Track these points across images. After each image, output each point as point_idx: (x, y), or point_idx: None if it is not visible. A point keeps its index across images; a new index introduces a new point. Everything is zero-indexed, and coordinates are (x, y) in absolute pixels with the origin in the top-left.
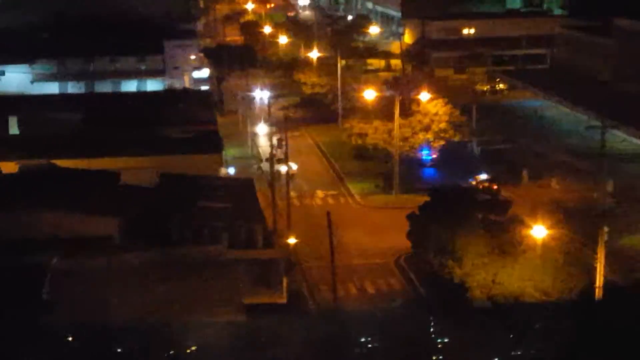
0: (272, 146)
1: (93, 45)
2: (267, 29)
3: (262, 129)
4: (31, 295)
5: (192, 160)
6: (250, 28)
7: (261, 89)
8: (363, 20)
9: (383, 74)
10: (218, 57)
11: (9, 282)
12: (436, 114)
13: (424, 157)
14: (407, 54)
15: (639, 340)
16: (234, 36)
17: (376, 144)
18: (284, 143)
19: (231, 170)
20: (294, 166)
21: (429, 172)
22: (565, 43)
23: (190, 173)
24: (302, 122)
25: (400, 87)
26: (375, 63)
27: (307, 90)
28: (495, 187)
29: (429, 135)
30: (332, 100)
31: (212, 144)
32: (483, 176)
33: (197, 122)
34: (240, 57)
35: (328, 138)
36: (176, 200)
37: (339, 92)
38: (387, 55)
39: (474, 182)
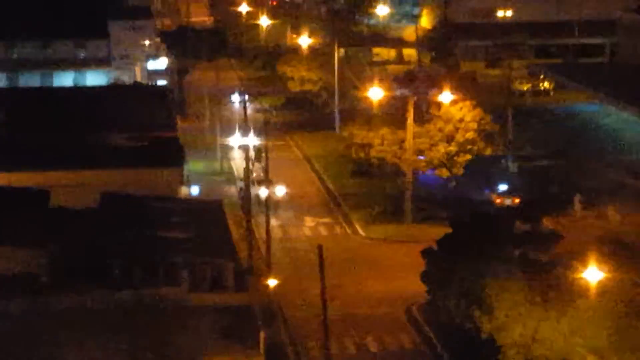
0: (248, 160)
1: (17, 25)
2: (244, 8)
3: (235, 138)
4: None
5: (143, 176)
6: (222, 6)
7: (235, 86)
8: None
9: (393, 68)
10: (180, 43)
11: None
12: (461, 120)
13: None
14: (425, 42)
15: None
16: (201, 16)
17: (383, 158)
18: (263, 156)
19: (194, 190)
20: (280, 190)
21: (446, 190)
22: (630, 30)
23: (141, 193)
24: (288, 129)
25: (415, 85)
26: (384, 53)
27: (295, 87)
28: (516, 200)
29: (452, 148)
30: (326, 100)
31: (171, 155)
32: (502, 188)
33: (151, 127)
34: (208, 44)
35: (321, 149)
36: (122, 228)
37: (336, 91)
38: (399, 43)
39: (493, 197)
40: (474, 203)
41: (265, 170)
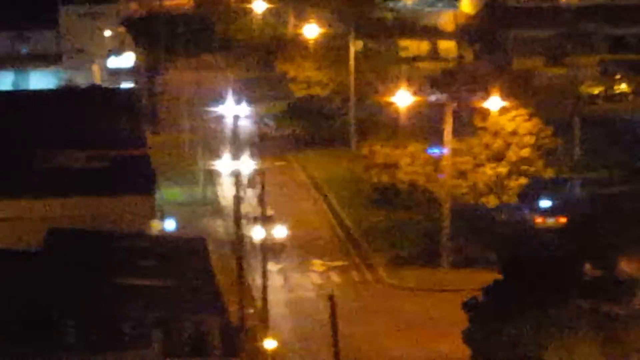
0: (239, 187)
1: None
2: None
3: (223, 157)
4: None
5: (103, 206)
6: None
7: (222, 89)
8: None
9: (426, 65)
10: (151, 33)
11: None
12: (514, 133)
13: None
14: (467, 32)
15: None
16: None
17: (413, 182)
18: (258, 181)
19: (169, 225)
20: (280, 231)
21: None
22: None
23: (100, 228)
24: (290, 145)
25: (454, 88)
26: (413, 47)
27: (299, 91)
28: (563, 220)
29: (502, 169)
30: (339, 108)
31: (139, 180)
32: (545, 204)
33: (113, 143)
34: (187, 35)
35: (333, 172)
36: (75, 275)
37: (352, 95)
38: (433, 33)
39: (531, 217)
40: (526, 236)
41: (261, 201)
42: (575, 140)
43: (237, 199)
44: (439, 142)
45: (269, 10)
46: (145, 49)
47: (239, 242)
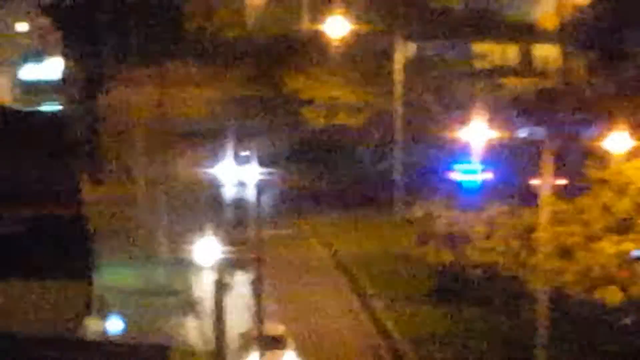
0: (220, 289)
1: None
2: None
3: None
4: None
5: (12, 295)
6: None
7: (200, 116)
8: None
9: (514, 82)
10: (89, 28)
11: None
12: None
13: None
14: (578, 33)
15: None
16: None
17: (492, 264)
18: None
19: (115, 324)
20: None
21: None
22: None
23: (7, 328)
24: (303, 204)
25: (557, 118)
26: (495, 53)
27: (317, 119)
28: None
29: (630, 244)
30: (378, 147)
31: (69, 254)
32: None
33: (30, 197)
34: (147, 32)
35: (367, 247)
36: None
37: (397, 128)
38: (525, 34)
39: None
40: None
41: (258, 308)
42: None
43: (219, 308)
44: (529, 203)
45: None
46: (79, 52)
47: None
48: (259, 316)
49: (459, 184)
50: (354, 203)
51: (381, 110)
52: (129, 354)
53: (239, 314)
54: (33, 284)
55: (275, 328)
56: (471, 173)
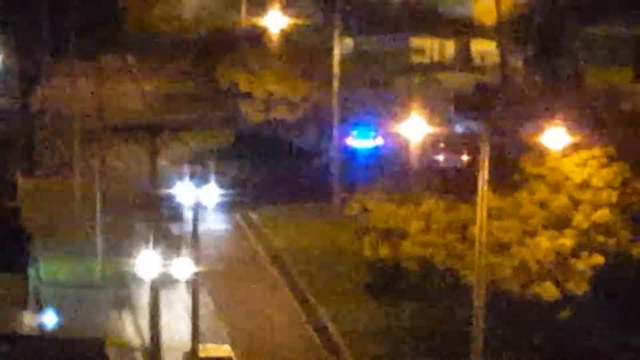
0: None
1: None
2: None
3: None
4: None
5: None
6: None
7: (136, 110)
8: None
9: (452, 78)
10: (24, 19)
11: None
12: (586, 185)
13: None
14: (514, 28)
15: None
16: None
17: (428, 259)
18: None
19: (50, 318)
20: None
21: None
22: None
23: None
24: (240, 198)
25: (494, 113)
26: (432, 48)
27: (255, 113)
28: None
29: (566, 240)
30: (316, 141)
31: (3, 247)
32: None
33: None
34: (83, 23)
35: (305, 241)
36: None
37: (335, 121)
38: (463, 28)
39: None
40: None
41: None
42: None
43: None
44: (470, 198)
45: None
46: (14, 44)
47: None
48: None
49: (398, 177)
50: (291, 197)
51: (317, 105)
52: (65, 348)
53: (174, 309)
54: None
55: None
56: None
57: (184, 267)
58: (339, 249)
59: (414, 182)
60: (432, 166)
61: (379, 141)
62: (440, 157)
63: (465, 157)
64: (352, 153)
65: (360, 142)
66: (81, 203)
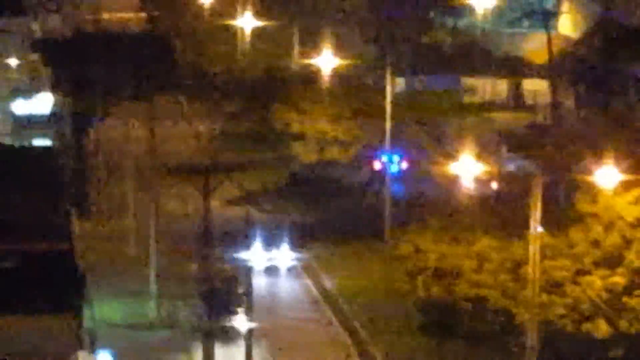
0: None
1: None
2: None
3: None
4: None
5: (7, 328)
6: None
7: (190, 150)
8: None
9: (504, 116)
10: (79, 64)
11: None
12: (638, 223)
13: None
14: (567, 67)
15: None
16: (122, 10)
17: (481, 298)
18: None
19: (104, 359)
20: None
21: None
22: None
23: None
24: (293, 238)
25: (546, 152)
26: (485, 88)
27: (308, 154)
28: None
29: (618, 279)
30: (369, 180)
31: (58, 288)
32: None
33: (19, 232)
34: (137, 66)
35: (356, 280)
36: None
37: (387, 161)
38: (516, 67)
39: None
40: None
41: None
42: None
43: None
44: (522, 237)
45: (262, 29)
46: (70, 87)
47: None
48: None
49: (453, 216)
50: (344, 236)
51: (370, 144)
52: None
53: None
54: (24, 318)
55: None
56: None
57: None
58: (392, 289)
59: (466, 220)
60: (484, 203)
61: (404, 165)
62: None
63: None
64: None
65: (386, 165)
66: (135, 245)
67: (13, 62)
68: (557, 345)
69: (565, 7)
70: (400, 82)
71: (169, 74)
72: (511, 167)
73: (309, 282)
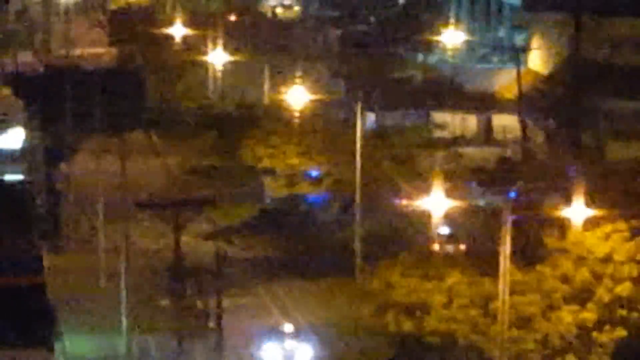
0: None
1: None
2: (179, 30)
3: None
4: None
5: None
6: (133, 26)
7: (160, 186)
8: (422, 10)
9: (473, 152)
10: (51, 99)
11: None
12: (608, 259)
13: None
14: (537, 103)
15: None
16: (93, 46)
17: (451, 333)
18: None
19: None
20: None
21: None
22: None
23: None
24: (263, 273)
25: (516, 188)
26: (455, 123)
27: (278, 188)
28: None
29: (588, 314)
30: (339, 215)
31: (28, 323)
32: None
33: None
34: (109, 102)
35: (326, 316)
36: None
37: (357, 196)
38: (486, 103)
39: None
40: None
41: None
42: None
43: None
44: (492, 273)
45: (234, 65)
46: (41, 122)
47: None
48: None
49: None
50: (314, 272)
51: (340, 180)
52: None
53: None
54: None
55: None
56: None
57: None
58: (361, 324)
59: (437, 255)
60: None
61: None
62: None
63: None
64: None
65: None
66: (106, 279)
67: None
68: None
69: (535, 43)
70: (371, 117)
71: (140, 109)
72: (482, 202)
73: (277, 316)
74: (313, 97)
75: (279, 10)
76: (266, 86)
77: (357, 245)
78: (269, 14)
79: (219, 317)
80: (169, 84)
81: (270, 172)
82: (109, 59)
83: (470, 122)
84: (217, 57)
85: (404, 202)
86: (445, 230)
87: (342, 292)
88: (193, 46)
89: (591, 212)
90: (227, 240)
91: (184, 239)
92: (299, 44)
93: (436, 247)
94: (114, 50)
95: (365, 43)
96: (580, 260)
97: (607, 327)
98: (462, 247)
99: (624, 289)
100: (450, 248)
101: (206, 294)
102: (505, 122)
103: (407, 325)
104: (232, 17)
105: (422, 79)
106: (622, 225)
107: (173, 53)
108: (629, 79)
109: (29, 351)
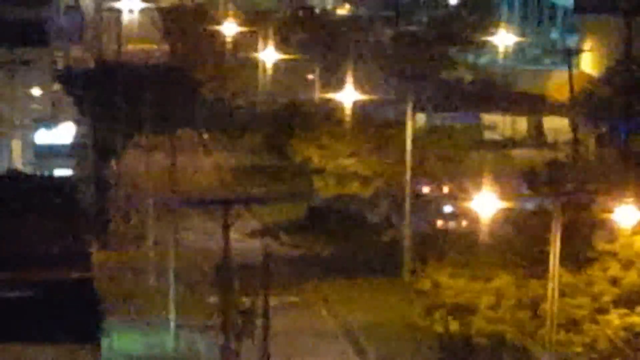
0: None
1: None
2: (230, 27)
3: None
4: None
5: (25, 358)
6: (187, 25)
7: (210, 184)
8: (473, 13)
9: (523, 154)
10: (101, 94)
11: None
12: None
13: None
14: (589, 105)
15: None
16: (144, 42)
17: (499, 333)
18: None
19: None
20: None
21: None
22: None
23: None
24: (311, 272)
25: (565, 190)
26: (505, 125)
27: (326, 188)
28: None
29: (636, 318)
30: (388, 216)
31: (76, 318)
32: None
33: (37, 260)
34: (159, 98)
35: (375, 316)
36: None
37: (407, 197)
38: (536, 105)
39: None
40: None
41: None
42: None
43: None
44: (540, 275)
45: (284, 63)
46: (92, 118)
47: None
48: None
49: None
50: (362, 271)
51: (390, 180)
52: None
53: None
54: (42, 348)
55: None
56: None
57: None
58: (409, 324)
59: (485, 256)
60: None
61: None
62: None
63: None
64: None
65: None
66: (154, 276)
67: (36, 92)
68: None
69: (587, 45)
70: (421, 118)
71: (191, 107)
72: (530, 204)
73: (326, 314)
74: (364, 96)
75: (330, 9)
76: (317, 85)
77: (406, 245)
78: (321, 13)
79: (267, 315)
80: (220, 82)
81: (320, 171)
82: (161, 56)
83: (521, 124)
84: (269, 55)
85: (453, 202)
86: (494, 231)
87: (390, 292)
88: (244, 44)
89: None
90: (276, 238)
91: (233, 236)
92: (350, 44)
93: (485, 248)
94: (166, 47)
95: (417, 43)
96: (629, 263)
97: None
98: (511, 248)
99: None
100: (499, 249)
101: (254, 292)
102: (557, 125)
103: (455, 326)
104: (285, 15)
105: (473, 80)
106: None
107: (224, 51)
108: None
109: (76, 347)
